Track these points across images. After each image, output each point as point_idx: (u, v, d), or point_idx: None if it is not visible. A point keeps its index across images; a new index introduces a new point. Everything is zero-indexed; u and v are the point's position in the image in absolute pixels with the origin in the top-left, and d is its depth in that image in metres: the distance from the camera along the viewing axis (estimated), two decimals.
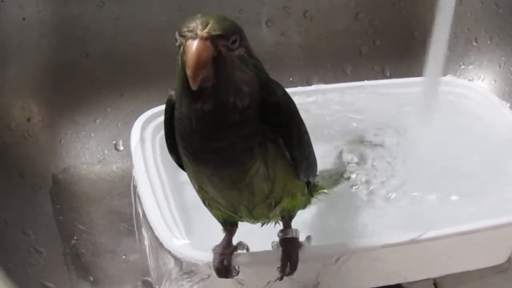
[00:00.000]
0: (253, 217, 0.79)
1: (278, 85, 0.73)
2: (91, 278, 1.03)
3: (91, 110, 1.24)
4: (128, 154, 1.14)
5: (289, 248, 0.82)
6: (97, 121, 1.24)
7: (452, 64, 1.38)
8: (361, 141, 1.15)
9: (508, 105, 1.17)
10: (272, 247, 0.85)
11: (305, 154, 0.77)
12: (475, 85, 1.28)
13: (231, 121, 0.67)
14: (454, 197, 1.02)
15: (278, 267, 0.82)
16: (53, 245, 1.06)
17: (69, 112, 1.22)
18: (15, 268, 0.95)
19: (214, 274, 0.82)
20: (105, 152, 1.22)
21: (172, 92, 0.72)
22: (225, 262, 0.81)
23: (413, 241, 0.87)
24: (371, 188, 1.05)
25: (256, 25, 1.30)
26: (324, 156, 1.06)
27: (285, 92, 0.73)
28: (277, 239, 0.83)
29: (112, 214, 1.12)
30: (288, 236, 0.83)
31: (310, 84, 1.29)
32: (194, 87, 0.63)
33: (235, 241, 0.83)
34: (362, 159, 1.11)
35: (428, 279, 1.02)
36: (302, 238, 0.85)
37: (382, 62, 1.37)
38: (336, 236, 0.96)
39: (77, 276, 1.03)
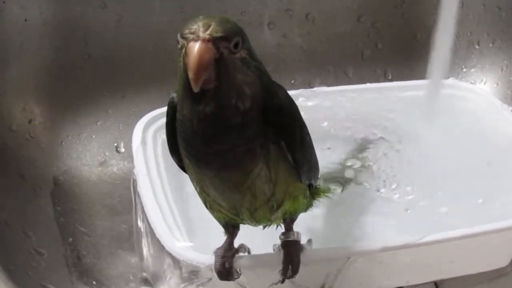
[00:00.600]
0: (255, 220, 0.79)
1: (281, 87, 0.73)
2: (92, 280, 1.03)
3: (92, 112, 1.23)
4: (129, 156, 1.14)
5: (291, 251, 0.82)
6: (99, 123, 1.23)
7: (454, 67, 1.37)
8: (363, 144, 1.14)
9: (510, 108, 1.16)
10: (274, 250, 0.84)
11: (307, 156, 0.76)
12: (477, 88, 1.28)
13: (233, 123, 0.67)
14: (456, 200, 1.02)
15: (280, 270, 0.81)
16: (53, 246, 1.06)
17: (70, 113, 1.22)
18: (15, 270, 0.95)
19: (215, 276, 0.81)
20: (106, 154, 1.22)
21: (174, 94, 0.72)
22: (227, 265, 0.81)
23: (415, 244, 0.87)
24: (373, 191, 1.05)
25: (258, 27, 1.30)
26: (326, 159, 1.06)
27: (288, 94, 0.73)
28: (278, 242, 0.83)
29: (113, 216, 1.12)
30: (290, 239, 0.83)
31: (312, 87, 1.28)
32: (196, 89, 0.63)
33: (236, 243, 0.83)
34: (364, 162, 1.11)
35: (430, 282, 1.01)
36: (303, 241, 0.85)
37: (385, 65, 1.37)
38: (338, 239, 0.96)
39: (77, 277, 1.03)
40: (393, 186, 1.05)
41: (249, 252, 0.84)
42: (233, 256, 0.81)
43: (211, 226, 0.84)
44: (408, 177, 1.07)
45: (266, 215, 0.78)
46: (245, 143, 0.69)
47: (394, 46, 1.38)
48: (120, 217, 1.12)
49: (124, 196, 1.13)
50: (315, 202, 0.88)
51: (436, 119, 1.17)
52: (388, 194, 1.04)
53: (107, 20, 1.23)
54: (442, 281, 1.02)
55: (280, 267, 0.81)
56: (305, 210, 0.86)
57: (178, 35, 0.64)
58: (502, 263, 1.02)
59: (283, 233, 0.83)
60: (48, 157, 1.18)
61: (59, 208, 1.12)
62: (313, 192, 0.86)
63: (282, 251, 0.82)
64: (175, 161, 0.79)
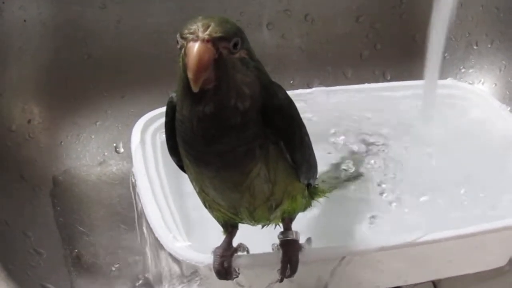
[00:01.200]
0: (254, 219, 0.79)
1: (280, 87, 0.73)
2: (91, 280, 1.03)
3: (91, 112, 1.24)
4: (128, 156, 1.14)
5: (290, 250, 0.82)
6: (98, 123, 1.24)
7: (453, 67, 1.38)
8: (361, 144, 1.15)
9: (509, 108, 1.17)
10: (273, 249, 0.85)
11: (306, 156, 0.77)
12: (476, 89, 1.28)
13: (233, 123, 0.67)
14: (455, 200, 1.02)
15: (278, 269, 0.82)
16: (53, 246, 1.06)
17: (69, 114, 1.22)
18: (15, 270, 0.95)
19: (214, 276, 0.82)
20: (106, 154, 1.22)
21: (173, 94, 0.72)
22: (226, 264, 0.81)
23: (413, 244, 0.87)
24: (371, 191, 1.05)
25: (257, 28, 1.30)
26: (323, 159, 1.06)
27: (287, 94, 0.73)
28: (277, 241, 0.83)
29: (112, 216, 1.12)
30: (288, 238, 0.83)
31: (311, 87, 1.28)
32: (195, 89, 0.63)
33: (235, 243, 0.83)
34: (362, 162, 1.11)
35: (428, 282, 1.02)
36: (302, 240, 0.85)
37: (383, 66, 1.37)
38: (337, 239, 0.96)
39: (77, 277, 1.03)
40: (391, 186, 1.05)
41: (247, 252, 0.84)
42: (231, 255, 0.82)
43: (210, 226, 0.84)
44: (406, 177, 1.07)
45: (265, 215, 0.78)
46: (245, 143, 0.69)
47: (393, 46, 1.38)
48: (119, 217, 1.12)
49: (123, 196, 1.13)
50: (314, 202, 0.89)
51: (434, 119, 1.17)
52: (386, 194, 1.04)
53: (106, 21, 1.23)
54: (440, 280, 1.02)
55: (279, 266, 0.81)
56: (304, 209, 0.86)
57: (178, 36, 0.65)
58: (500, 262, 1.02)
59: (281, 233, 0.84)
60: (47, 157, 1.18)
61: (59, 208, 1.12)
62: (312, 192, 0.87)
63: (280, 251, 0.82)
64: (174, 161, 0.79)
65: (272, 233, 0.84)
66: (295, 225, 0.84)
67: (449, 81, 1.24)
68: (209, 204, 0.79)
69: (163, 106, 0.75)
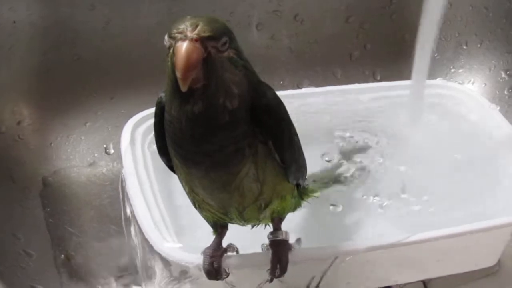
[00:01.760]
0: (243, 219, 0.79)
1: (269, 87, 0.73)
2: (81, 281, 1.03)
3: (81, 113, 1.23)
4: (118, 157, 1.14)
5: (279, 250, 0.82)
6: (88, 124, 1.23)
7: (443, 67, 1.38)
8: (351, 144, 1.15)
9: (498, 108, 1.17)
10: (262, 249, 0.85)
11: (295, 156, 0.77)
12: (466, 89, 1.28)
13: (221, 123, 0.67)
14: (443, 200, 1.02)
15: (268, 269, 0.82)
16: (43, 247, 1.06)
17: (59, 115, 1.22)
18: (5, 271, 0.95)
19: (204, 276, 0.82)
20: (96, 155, 1.22)
21: (162, 94, 0.72)
22: (215, 264, 0.81)
23: (402, 244, 0.87)
24: (361, 191, 1.06)
25: (247, 29, 1.30)
26: (314, 159, 1.06)
27: (276, 94, 0.73)
28: (267, 241, 0.83)
29: (102, 217, 1.12)
30: (278, 238, 0.83)
31: (300, 88, 1.29)
32: (183, 88, 0.63)
33: (225, 243, 0.83)
34: (352, 163, 1.11)
35: (418, 281, 1.02)
36: (292, 240, 0.85)
37: (373, 66, 1.38)
38: (326, 239, 0.96)
39: (67, 278, 1.03)
40: (381, 186, 1.06)
41: (237, 252, 0.84)
42: (221, 255, 0.82)
43: (200, 226, 0.85)
44: (396, 176, 1.07)
45: (254, 214, 0.78)
46: (234, 143, 0.69)
47: (383, 47, 1.38)
48: (109, 218, 1.12)
49: (113, 197, 1.13)
50: (303, 202, 0.89)
51: (424, 119, 1.17)
52: (375, 194, 1.05)
53: (96, 22, 1.23)
54: (430, 280, 1.02)
55: (269, 266, 0.81)
56: (294, 210, 0.86)
57: (166, 35, 0.65)
58: (489, 262, 1.02)
59: (271, 233, 0.83)
60: (37, 159, 1.18)
61: (48, 209, 1.12)
62: (302, 192, 0.87)
63: (270, 251, 0.82)
64: (164, 161, 0.79)
65: (262, 233, 0.84)
66: (285, 225, 0.84)
67: (438, 81, 1.24)
68: (198, 204, 0.79)
69: (153, 107, 0.75)
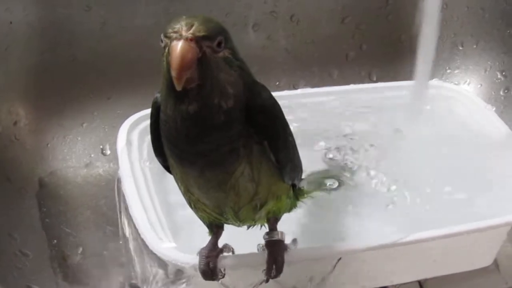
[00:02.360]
0: (239, 219, 0.79)
1: (264, 87, 0.73)
2: (77, 281, 1.03)
3: (78, 114, 1.24)
4: (114, 158, 1.14)
5: (275, 250, 0.82)
6: (84, 125, 1.24)
7: (439, 68, 1.38)
8: (347, 144, 1.15)
9: (494, 109, 1.17)
10: (258, 249, 0.85)
11: (290, 156, 0.77)
12: (461, 89, 1.29)
13: (216, 122, 0.67)
14: (440, 200, 1.02)
15: (264, 270, 0.82)
16: (39, 248, 1.06)
17: (56, 115, 1.22)
18: (1, 271, 0.96)
19: (200, 276, 0.82)
20: (92, 156, 1.22)
21: (158, 95, 0.72)
22: (211, 265, 0.81)
23: (398, 244, 0.87)
24: (357, 192, 1.06)
25: (243, 29, 1.30)
26: (310, 160, 1.06)
27: (271, 94, 0.73)
28: (263, 241, 0.83)
29: (98, 218, 1.12)
30: (274, 238, 0.83)
31: (296, 88, 1.29)
32: (178, 88, 0.63)
33: (220, 243, 0.83)
34: (348, 163, 1.11)
35: (414, 281, 1.02)
36: (288, 240, 0.85)
37: (369, 67, 1.38)
38: (322, 239, 0.96)
39: (63, 278, 1.03)
40: (378, 186, 1.06)
41: (233, 252, 0.84)
42: (217, 256, 0.82)
43: (196, 227, 0.85)
44: (393, 177, 1.07)
45: (250, 215, 0.78)
46: (229, 143, 0.69)
47: (379, 47, 1.38)
48: (105, 218, 1.12)
49: (109, 198, 1.12)
50: (299, 203, 0.88)
51: (420, 120, 1.17)
52: (372, 194, 1.05)
53: (92, 23, 1.23)
54: (426, 280, 1.02)
55: (264, 267, 0.81)
56: (289, 210, 0.86)
57: (162, 35, 0.65)
58: (485, 262, 1.02)
59: (267, 233, 0.84)
60: (33, 159, 1.18)
61: (45, 209, 1.12)
62: (297, 193, 0.87)
63: (266, 251, 0.82)
64: (159, 161, 0.79)
65: (258, 233, 0.84)
66: (280, 226, 0.84)
67: (434, 81, 1.24)
68: (194, 204, 0.79)
69: (149, 107, 0.75)
